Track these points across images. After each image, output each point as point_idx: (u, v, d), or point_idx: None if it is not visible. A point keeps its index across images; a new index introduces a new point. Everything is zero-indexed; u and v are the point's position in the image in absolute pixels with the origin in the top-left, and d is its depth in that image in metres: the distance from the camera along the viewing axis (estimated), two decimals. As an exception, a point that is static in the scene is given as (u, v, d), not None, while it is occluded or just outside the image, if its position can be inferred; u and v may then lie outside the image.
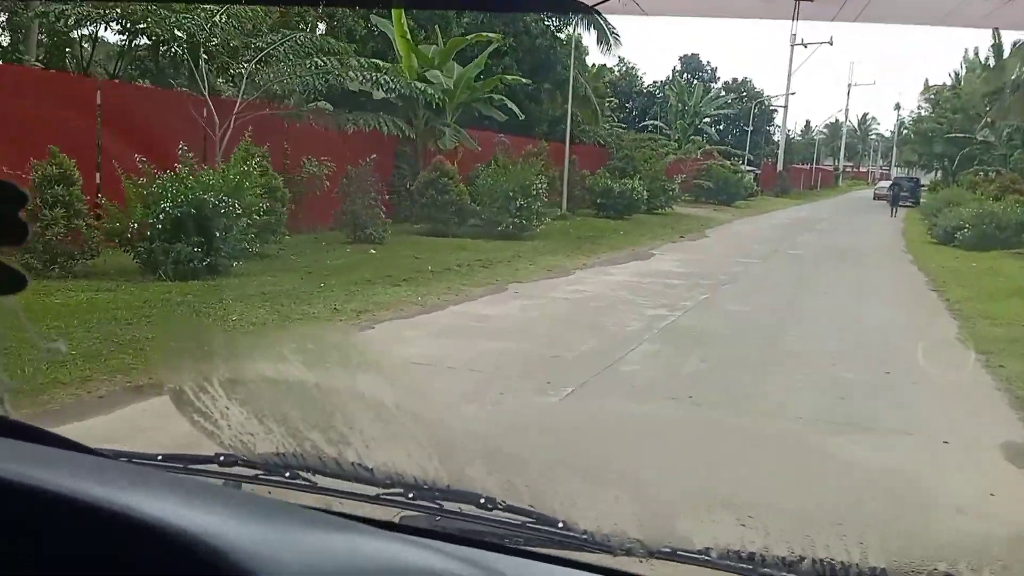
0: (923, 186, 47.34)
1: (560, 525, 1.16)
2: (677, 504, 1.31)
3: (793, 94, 55.20)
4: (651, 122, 47.81)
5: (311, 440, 1.35)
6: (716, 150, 42.07)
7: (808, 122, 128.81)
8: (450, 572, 0.86)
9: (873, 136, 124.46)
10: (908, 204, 43.66)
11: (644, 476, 1.37)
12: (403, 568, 0.84)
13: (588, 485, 1.33)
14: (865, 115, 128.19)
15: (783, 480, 1.64)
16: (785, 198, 47.45)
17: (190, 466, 1.32)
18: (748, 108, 52.43)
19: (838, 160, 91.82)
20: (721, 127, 55.22)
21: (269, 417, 1.41)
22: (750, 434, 3.89)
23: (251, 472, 1.30)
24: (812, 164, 71.43)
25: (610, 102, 42.99)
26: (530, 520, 1.17)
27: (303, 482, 1.28)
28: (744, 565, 1.09)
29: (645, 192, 24.29)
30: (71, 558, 0.77)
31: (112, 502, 0.76)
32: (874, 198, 53.28)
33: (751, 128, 51.95)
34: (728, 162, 41.22)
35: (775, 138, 55.54)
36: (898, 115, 53.81)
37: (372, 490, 1.25)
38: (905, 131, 48.38)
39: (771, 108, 55.37)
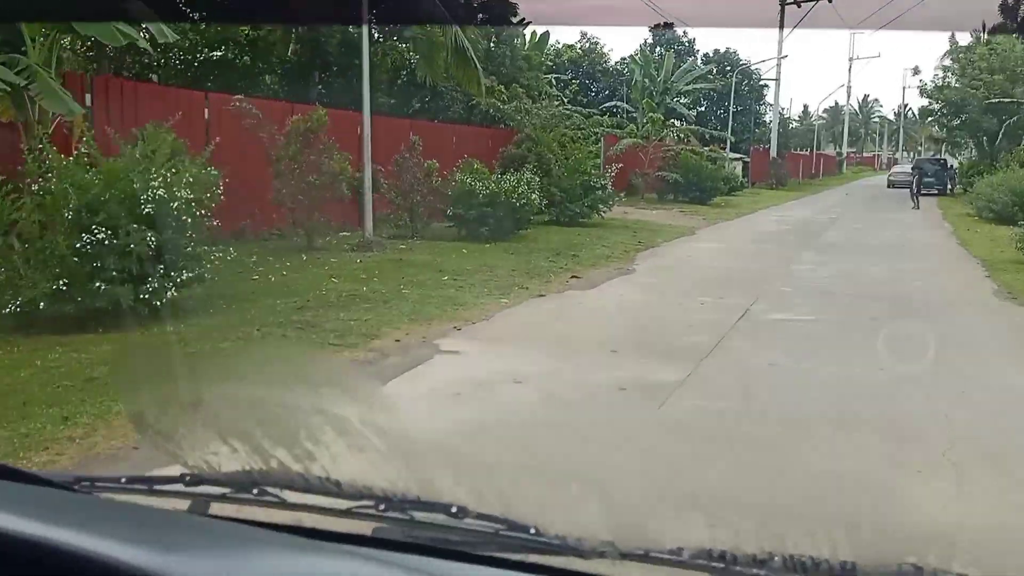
0: (951, 168, 38.36)
1: (532, 531, 1.17)
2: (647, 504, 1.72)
3: (785, 57, 45.71)
4: (617, 103, 38.80)
5: (277, 457, 1.34)
6: (690, 132, 32.88)
7: (806, 106, 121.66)
8: None
9: (876, 119, 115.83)
10: (933, 192, 34.76)
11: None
12: None
13: (556, 489, 1.41)
14: (867, 96, 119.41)
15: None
16: (781, 191, 38.34)
17: (155, 487, 1.30)
18: (733, 85, 43.29)
19: (840, 146, 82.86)
20: (702, 108, 45.97)
21: (233, 435, 1.41)
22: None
23: (218, 491, 1.27)
24: (812, 150, 62.24)
25: (568, 82, 34.42)
26: (502, 527, 1.18)
27: (272, 499, 1.25)
28: (715, 564, 1.09)
29: (539, 196, 15.02)
30: None
31: (50, 537, 0.78)
32: (888, 186, 44.23)
33: (737, 108, 42.72)
34: (705, 149, 32.14)
35: (767, 120, 46.31)
36: (919, 80, 43.90)
37: (343, 503, 1.24)
38: (924, 103, 38.64)
39: (760, 82, 46.12)
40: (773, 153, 41.85)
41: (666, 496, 3.30)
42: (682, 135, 31.03)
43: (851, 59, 70.57)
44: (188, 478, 1.28)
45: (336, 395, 1.52)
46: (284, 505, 1.24)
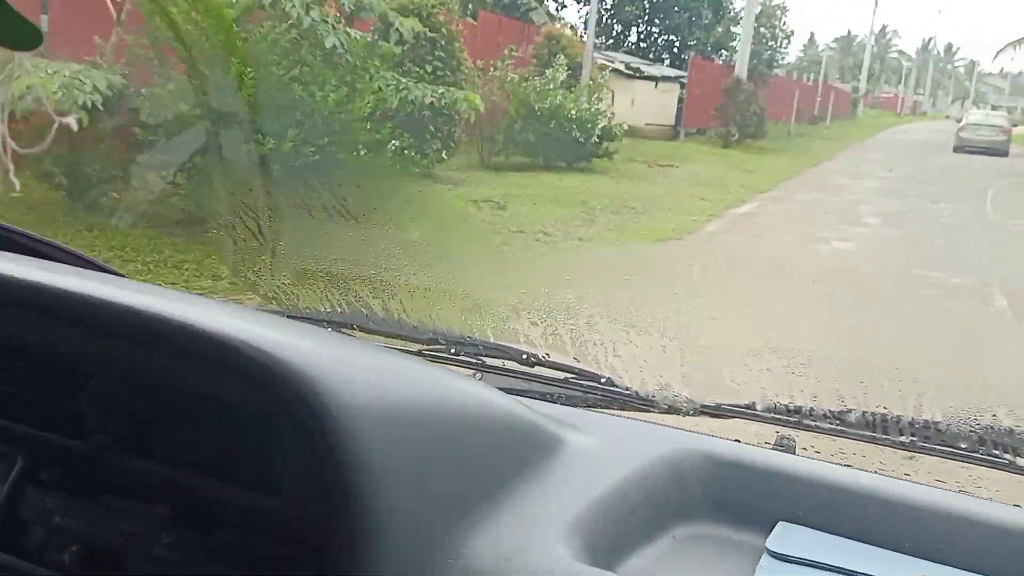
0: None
1: (603, 380, 1.15)
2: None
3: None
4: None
5: (355, 292, 1.33)
6: (561, 36, 12.71)
7: (812, 35, 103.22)
8: (510, 409, 0.91)
9: (894, 55, 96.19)
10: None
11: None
12: (467, 398, 0.88)
13: (633, 334, 1.36)
14: (884, 28, 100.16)
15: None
16: (737, 153, 17.99)
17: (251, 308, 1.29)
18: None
19: (856, 80, 62.10)
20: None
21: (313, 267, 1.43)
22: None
23: None
24: (819, 81, 41.25)
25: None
26: (573, 376, 1.16)
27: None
28: (790, 417, 1.08)
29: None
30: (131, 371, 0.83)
31: (165, 309, 0.76)
32: (955, 148, 24.01)
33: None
34: (559, 68, 11.75)
35: (735, 6, 25.11)
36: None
37: (414, 346, 1.22)
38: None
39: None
40: (739, 72, 21.21)
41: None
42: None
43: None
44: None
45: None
46: None
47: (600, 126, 11.00)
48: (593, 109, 11.19)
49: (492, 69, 11.47)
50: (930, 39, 74.52)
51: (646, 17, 27.16)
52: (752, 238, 8.21)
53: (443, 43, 8.89)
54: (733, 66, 22.44)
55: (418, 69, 8.82)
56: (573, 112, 10.76)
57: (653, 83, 22.53)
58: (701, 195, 10.27)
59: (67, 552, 0.89)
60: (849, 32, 73.06)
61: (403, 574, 0.72)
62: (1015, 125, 25.99)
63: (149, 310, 0.76)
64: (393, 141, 6.78)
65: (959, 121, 26.89)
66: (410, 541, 0.74)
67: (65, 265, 0.98)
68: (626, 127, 12.61)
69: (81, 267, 1.02)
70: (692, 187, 10.94)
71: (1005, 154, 23.08)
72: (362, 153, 6.06)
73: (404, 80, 5.99)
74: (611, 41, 28.12)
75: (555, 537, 0.81)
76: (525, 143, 10.84)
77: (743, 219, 9.07)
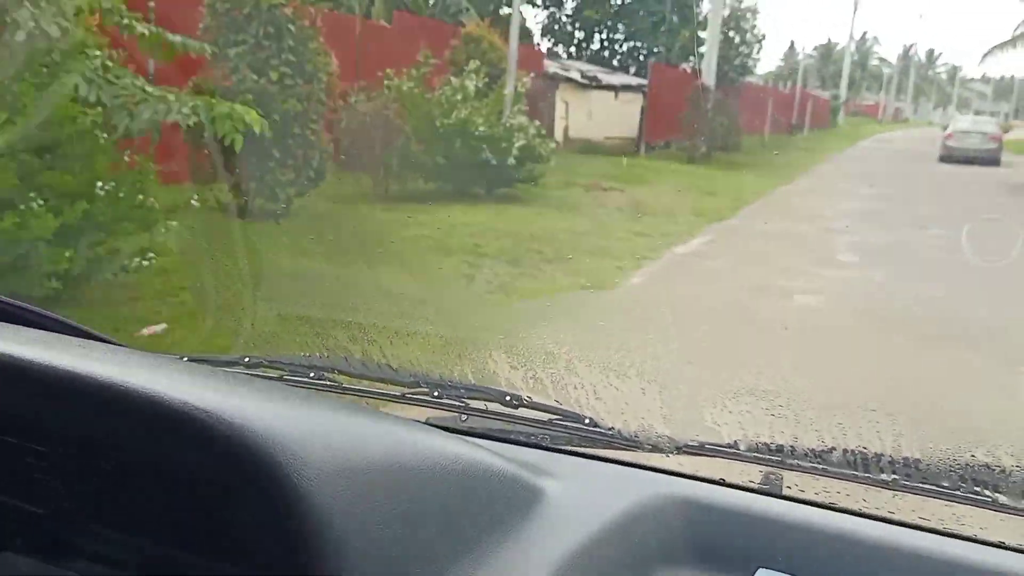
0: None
1: (587, 421, 1.14)
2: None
3: None
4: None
5: (335, 338, 1.34)
6: (480, 38, 10.68)
7: (792, 43, 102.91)
8: (483, 462, 0.89)
9: (875, 61, 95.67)
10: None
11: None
12: (435, 454, 0.84)
13: (612, 377, 1.33)
14: (864, 35, 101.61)
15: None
16: (707, 169, 16.06)
17: (215, 369, 1.22)
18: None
19: (837, 87, 60.56)
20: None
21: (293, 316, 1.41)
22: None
23: (276, 374, 1.28)
24: (796, 86, 39.55)
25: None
26: (556, 417, 1.16)
27: (328, 383, 1.25)
28: (772, 456, 1.08)
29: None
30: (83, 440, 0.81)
31: (124, 381, 0.75)
32: (941, 158, 22.10)
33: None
34: (469, 76, 9.75)
35: (701, 8, 23.16)
36: None
37: (397, 390, 1.22)
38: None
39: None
40: (707, 79, 19.34)
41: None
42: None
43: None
44: (247, 359, 1.26)
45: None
46: (340, 389, 1.21)
47: (518, 145, 9.00)
48: (508, 125, 9.16)
49: (402, 78, 9.51)
50: (911, 45, 73.61)
51: (609, 23, 25.34)
52: (691, 290, 6.23)
53: (291, 44, 6.89)
54: (699, 73, 20.57)
55: (256, 79, 6.82)
56: (482, 129, 8.75)
57: (613, 93, 20.64)
58: (641, 228, 8.27)
59: None
60: (829, 40, 72.18)
61: None
62: (1006, 131, 24.15)
63: (107, 379, 0.75)
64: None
65: (944, 128, 25.02)
66: None
67: (28, 328, 0.97)
68: (554, 144, 10.56)
69: (50, 330, 1.01)
70: (631, 218, 8.93)
71: (996, 163, 21.25)
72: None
73: (154, 91, 4.02)
74: (572, 49, 26.31)
75: None
76: (428, 167, 8.84)
77: (684, 263, 7.07)
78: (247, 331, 2.04)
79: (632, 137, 19.79)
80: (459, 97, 9.06)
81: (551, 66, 19.30)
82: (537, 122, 9.85)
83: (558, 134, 19.14)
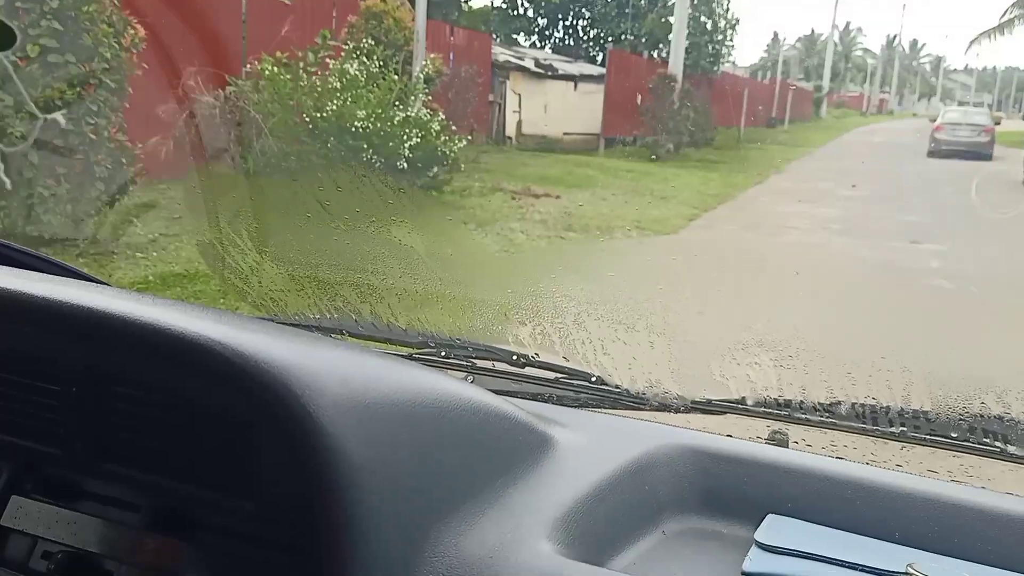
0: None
1: (594, 379, 1.14)
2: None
3: None
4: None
5: (344, 297, 1.30)
6: (384, 13, 8.73)
7: (776, 34, 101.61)
8: (496, 407, 0.89)
9: (859, 52, 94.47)
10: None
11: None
12: (448, 395, 0.84)
13: (621, 331, 1.29)
14: (847, 25, 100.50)
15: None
16: (672, 165, 14.20)
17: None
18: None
19: (820, 79, 58.98)
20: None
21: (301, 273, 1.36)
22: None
23: None
24: (776, 78, 37.75)
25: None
26: (563, 375, 1.16)
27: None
28: (780, 411, 1.08)
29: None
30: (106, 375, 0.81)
31: (140, 314, 0.74)
32: (930, 152, 20.30)
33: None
34: (352, 57, 7.82)
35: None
36: None
37: (405, 350, 1.21)
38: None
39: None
40: (673, 68, 17.45)
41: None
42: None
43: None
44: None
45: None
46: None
47: (409, 144, 7.14)
48: (400, 119, 7.28)
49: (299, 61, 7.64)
50: (895, 35, 72.41)
51: (572, 8, 23.45)
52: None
53: (54, 6, 4.99)
54: (665, 61, 18.70)
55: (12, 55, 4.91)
56: (361, 123, 6.88)
57: (572, 84, 18.78)
58: (555, 249, 6.43)
59: (51, 560, 0.89)
60: (813, 31, 70.80)
61: (386, 573, 0.72)
62: (997, 123, 22.47)
63: (127, 315, 0.74)
64: None
65: (933, 120, 23.33)
66: (392, 539, 0.73)
67: (42, 274, 0.97)
68: (463, 143, 8.62)
69: (62, 276, 1.01)
70: (553, 235, 7.09)
71: (988, 157, 19.58)
72: None
73: None
74: (534, 37, 24.42)
75: (540, 533, 0.82)
76: (293, 172, 7.01)
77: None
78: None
79: (595, 133, 17.95)
80: (338, 84, 7.19)
81: (501, 53, 17.42)
82: (442, 116, 7.96)
83: (510, 129, 17.25)
